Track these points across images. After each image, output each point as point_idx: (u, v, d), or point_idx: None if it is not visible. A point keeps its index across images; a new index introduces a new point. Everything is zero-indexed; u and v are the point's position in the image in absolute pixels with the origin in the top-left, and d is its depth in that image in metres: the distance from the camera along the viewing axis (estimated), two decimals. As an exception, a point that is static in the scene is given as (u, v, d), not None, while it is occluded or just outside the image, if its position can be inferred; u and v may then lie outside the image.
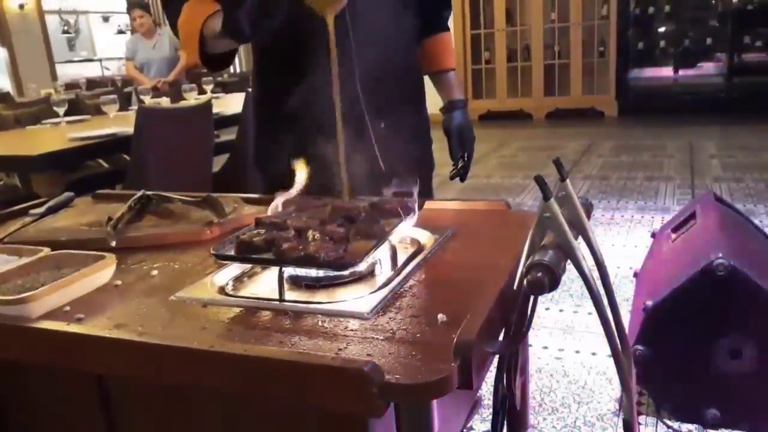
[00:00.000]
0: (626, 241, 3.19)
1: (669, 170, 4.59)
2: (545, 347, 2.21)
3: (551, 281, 0.62)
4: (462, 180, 1.48)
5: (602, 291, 0.72)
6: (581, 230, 0.76)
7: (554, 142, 6.08)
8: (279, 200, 1.01)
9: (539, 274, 0.62)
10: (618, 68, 6.94)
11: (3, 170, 2.97)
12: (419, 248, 0.95)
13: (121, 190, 3.09)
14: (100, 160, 4.15)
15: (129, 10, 5.72)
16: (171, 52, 5.60)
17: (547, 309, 2.49)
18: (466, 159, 1.47)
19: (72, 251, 0.93)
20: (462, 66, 7.62)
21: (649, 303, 1.74)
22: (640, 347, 1.74)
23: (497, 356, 0.75)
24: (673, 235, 2.13)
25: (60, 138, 3.03)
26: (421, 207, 0.98)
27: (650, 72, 7.71)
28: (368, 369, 0.57)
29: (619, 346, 0.70)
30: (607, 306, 0.71)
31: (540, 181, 0.67)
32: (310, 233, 0.84)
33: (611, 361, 0.75)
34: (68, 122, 3.76)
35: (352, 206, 0.93)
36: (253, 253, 0.82)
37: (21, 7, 10.62)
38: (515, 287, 0.69)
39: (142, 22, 5.51)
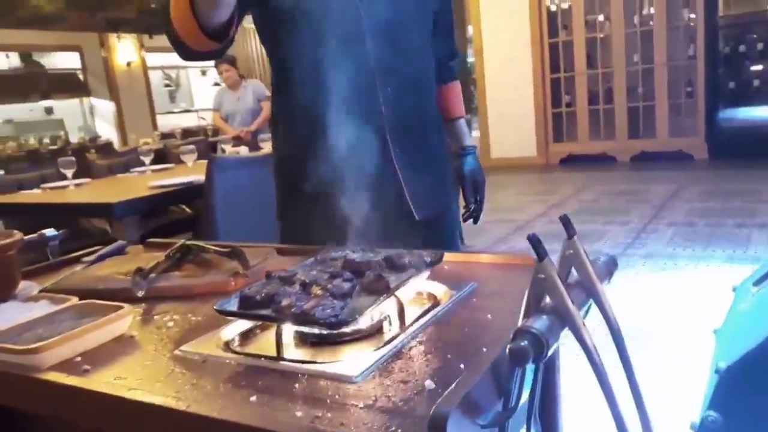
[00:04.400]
0: (712, 293, 2.97)
1: (763, 217, 4.26)
2: (575, 399, 2.08)
3: (537, 352, 0.57)
4: (475, 222, 1.52)
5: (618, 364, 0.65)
6: (592, 293, 0.71)
7: (638, 186, 5.83)
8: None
9: (523, 343, 0.57)
10: (707, 109, 6.61)
11: (88, 216, 3.17)
12: (435, 304, 0.92)
13: (188, 237, 3.22)
14: (183, 206, 4.37)
15: (217, 65, 6.07)
16: (254, 104, 5.87)
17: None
18: (478, 202, 1.51)
19: (95, 301, 0.96)
20: (542, 110, 7.53)
21: (723, 364, 1.59)
22: (712, 413, 1.58)
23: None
24: (754, 289, 1.95)
25: (141, 186, 3.22)
26: (438, 260, 0.95)
27: (743, 112, 7.28)
28: (331, 440, 0.54)
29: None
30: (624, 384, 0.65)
31: (533, 241, 0.63)
32: (314, 288, 0.82)
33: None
34: (153, 171, 4.00)
35: (363, 259, 0.91)
36: (255, 308, 0.81)
37: (128, 64, 11.56)
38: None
39: (228, 75, 5.83)
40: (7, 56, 10.84)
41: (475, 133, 8.76)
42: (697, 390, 2.15)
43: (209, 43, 1.10)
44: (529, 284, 0.64)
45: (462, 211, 1.54)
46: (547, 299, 0.64)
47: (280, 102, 1.34)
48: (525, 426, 0.73)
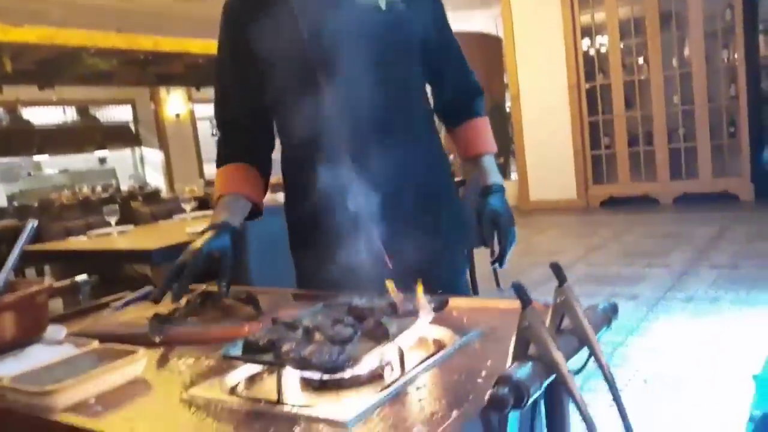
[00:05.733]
0: (754, 339, 2.85)
1: (814, 259, 4.11)
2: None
3: (516, 399, 0.57)
4: (500, 266, 1.39)
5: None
6: (585, 341, 0.71)
7: (681, 228, 5.69)
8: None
9: (503, 391, 0.58)
10: (752, 149, 6.45)
11: (129, 262, 3.28)
12: (439, 349, 0.92)
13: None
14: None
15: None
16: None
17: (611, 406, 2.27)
18: (503, 245, 1.38)
19: (113, 345, 1.00)
20: (581, 152, 7.48)
21: (758, 412, 1.53)
22: (747, 467, 1.51)
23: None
24: (794, 337, 1.88)
25: (181, 232, 3.31)
26: (442, 307, 0.96)
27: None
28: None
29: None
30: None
31: (517, 288, 0.64)
32: (315, 334, 0.85)
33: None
34: (193, 218, 4.11)
35: (367, 306, 0.93)
36: (258, 353, 0.84)
37: (177, 116, 12.03)
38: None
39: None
40: (64, 111, 11.44)
41: (514, 176, 8.75)
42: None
43: None
44: (515, 332, 0.65)
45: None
46: (531, 348, 0.64)
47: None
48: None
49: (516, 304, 1.08)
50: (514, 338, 0.65)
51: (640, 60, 7.15)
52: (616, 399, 0.70)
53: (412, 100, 1.36)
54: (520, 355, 0.64)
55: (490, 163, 1.47)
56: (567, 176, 7.62)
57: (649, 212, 6.79)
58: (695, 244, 4.90)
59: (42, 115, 10.92)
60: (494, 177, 1.44)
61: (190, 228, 3.29)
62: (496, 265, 1.41)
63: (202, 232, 1.28)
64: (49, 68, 8.04)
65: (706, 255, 4.55)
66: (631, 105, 7.22)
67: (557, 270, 0.71)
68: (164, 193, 10.41)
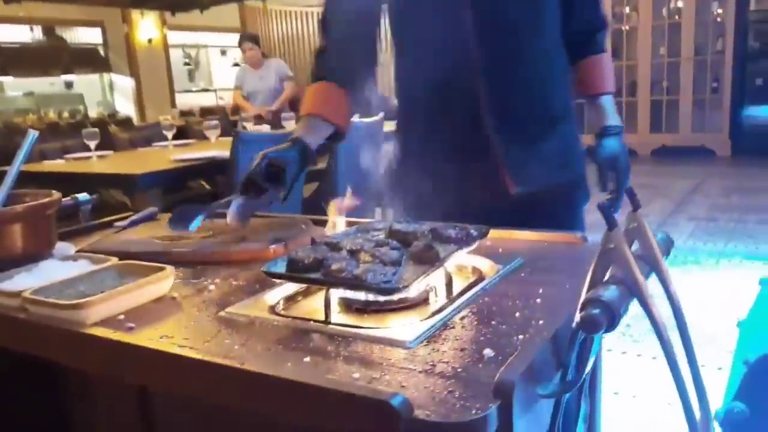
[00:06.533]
0: (732, 287, 2.93)
1: (788, 215, 4.21)
2: (616, 393, 2.06)
3: (609, 320, 0.55)
4: (615, 212, 1.28)
5: (678, 339, 0.64)
6: (655, 267, 0.68)
7: (659, 180, 5.76)
8: (338, 220, 1.00)
9: (595, 312, 0.55)
10: (733, 105, 6.51)
11: (111, 187, 3.18)
12: (480, 277, 0.90)
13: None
14: (203, 182, 4.36)
15: (240, 43, 6.03)
16: (276, 83, 5.83)
17: (624, 353, 2.33)
18: (617, 190, 1.30)
19: (136, 262, 0.95)
20: (563, 100, 7.45)
21: (752, 356, 1.57)
22: (738, 404, 1.56)
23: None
24: (786, 284, 1.92)
25: (164, 159, 3.22)
26: (484, 234, 0.93)
27: (770, 110, 7.17)
28: (395, 401, 0.52)
29: (693, 405, 0.61)
30: (682, 357, 0.63)
31: (604, 209, 0.61)
32: (362, 255, 0.81)
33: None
34: (175, 145, 4.00)
35: (410, 229, 0.89)
36: (302, 272, 0.80)
37: (149, 41, 11.55)
38: (573, 325, 0.62)
39: (251, 54, 5.79)
40: (32, 29, 10.85)
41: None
42: (714, 381, 2.14)
43: None
44: (597, 255, 0.62)
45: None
46: (612, 270, 0.62)
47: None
48: (576, 400, 0.72)
49: (548, 236, 1.07)
50: (594, 261, 0.62)
51: (628, 9, 7.07)
52: (681, 326, 0.68)
53: (546, 22, 1.28)
54: (599, 279, 0.61)
55: (609, 103, 1.36)
56: (548, 124, 7.60)
57: (628, 163, 6.84)
58: (673, 197, 4.98)
59: (5, 33, 10.35)
60: (613, 118, 1.35)
61: (176, 155, 3.19)
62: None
63: None
64: (15, -20, 7.57)
65: (683, 207, 4.62)
66: (617, 55, 7.16)
67: (631, 195, 0.68)
68: (135, 121, 10.09)
